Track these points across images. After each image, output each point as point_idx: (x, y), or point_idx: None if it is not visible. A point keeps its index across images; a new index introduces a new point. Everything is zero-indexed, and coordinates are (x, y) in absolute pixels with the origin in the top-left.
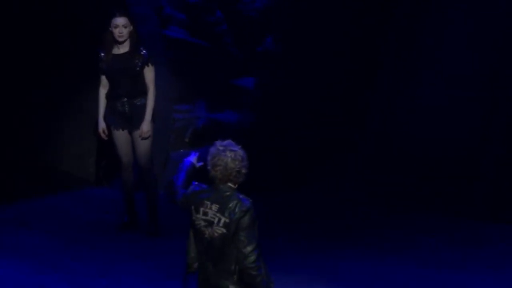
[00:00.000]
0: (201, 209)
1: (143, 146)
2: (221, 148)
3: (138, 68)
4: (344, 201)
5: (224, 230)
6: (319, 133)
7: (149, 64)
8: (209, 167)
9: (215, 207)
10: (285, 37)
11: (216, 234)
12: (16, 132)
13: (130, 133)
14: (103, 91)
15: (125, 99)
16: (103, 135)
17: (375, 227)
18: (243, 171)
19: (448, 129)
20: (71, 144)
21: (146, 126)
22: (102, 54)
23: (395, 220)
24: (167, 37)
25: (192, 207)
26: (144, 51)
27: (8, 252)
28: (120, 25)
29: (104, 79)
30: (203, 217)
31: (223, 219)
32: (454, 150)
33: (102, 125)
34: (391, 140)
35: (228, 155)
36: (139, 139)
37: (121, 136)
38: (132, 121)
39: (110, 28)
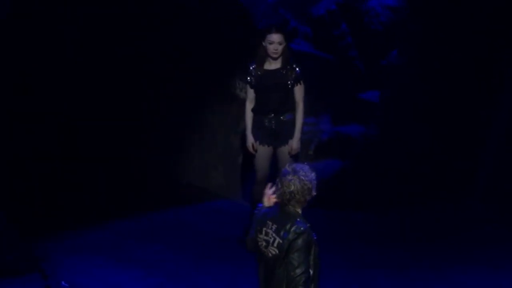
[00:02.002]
0: (264, 229)
1: (288, 162)
2: (289, 170)
3: (290, 85)
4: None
5: (277, 251)
6: (443, 147)
7: (301, 82)
8: (277, 190)
9: (274, 227)
10: (410, 50)
11: (270, 255)
12: (144, 145)
13: (275, 148)
14: (250, 105)
15: (273, 114)
16: (251, 150)
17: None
18: (308, 194)
19: None
20: (195, 157)
21: (296, 143)
22: (253, 68)
23: None
24: (292, 50)
25: (258, 228)
26: (297, 68)
27: (133, 265)
28: (276, 42)
29: (251, 94)
30: (265, 237)
31: (277, 240)
32: None
33: (251, 139)
34: None
35: (294, 178)
36: (285, 155)
37: (264, 151)
38: (278, 137)
39: (263, 43)
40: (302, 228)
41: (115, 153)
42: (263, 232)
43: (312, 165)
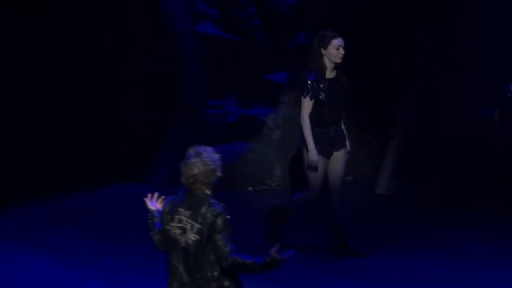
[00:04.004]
0: (176, 217)
1: (343, 166)
2: (191, 153)
3: (349, 92)
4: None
5: (198, 237)
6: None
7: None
8: (182, 174)
9: (188, 213)
10: (317, 31)
11: (190, 241)
12: (51, 128)
13: (329, 157)
14: (308, 118)
15: (334, 125)
16: (316, 165)
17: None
18: (212, 176)
19: None
20: (104, 140)
21: (349, 143)
22: (315, 79)
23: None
24: (200, 33)
25: (168, 217)
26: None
27: (43, 249)
28: (342, 46)
29: (310, 105)
30: (178, 225)
31: (195, 225)
32: None
33: (316, 155)
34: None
35: (197, 160)
36: (340, 159)
37: (324, 163)
38: (335, 145)
39: (323, 49)
40: (218, 209)
41: (22, 136)
42: (176, 220)
43: (219, 147)
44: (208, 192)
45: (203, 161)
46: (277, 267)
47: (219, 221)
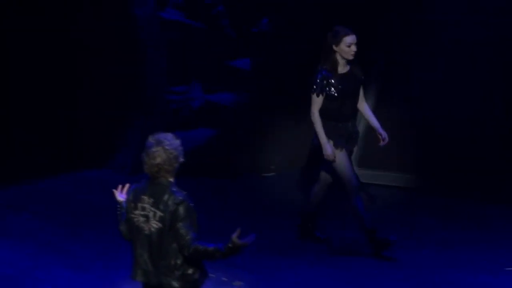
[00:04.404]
0: (139, 205)
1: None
2: (152, 142)
3: (362, 85)
4: None
5: (160, 225)
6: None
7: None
8: (144, 163)
9: (151, 201)
10: (279, 18)
11: (153, 229)
12: (15, 111)
13: (346, 149)
14: (318, 113)
15: (350, 120)
16: (333, 158)
17: None
18: (175, 162)
19: None
20: (65, 125)
21: (386, 134)
22: (326, 74)
23: None
24: (163, 19)
25: (132, 205)
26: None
27: (6, 236)
28: (355, 43)
29: (320, 101)
30: (141, 212)
31: (158, 213)
32: None
33: (331, 148)
34: None
35: (159, 149)
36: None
37: (344, 154)
38: (351, 142)
39: (335, 46)
40: (180, 198)
41: None
42: (139, 208)
43: (184, 133)
44: (171, 179)
45: (165, 149)
46: (239, 253)
47: (181, 210)
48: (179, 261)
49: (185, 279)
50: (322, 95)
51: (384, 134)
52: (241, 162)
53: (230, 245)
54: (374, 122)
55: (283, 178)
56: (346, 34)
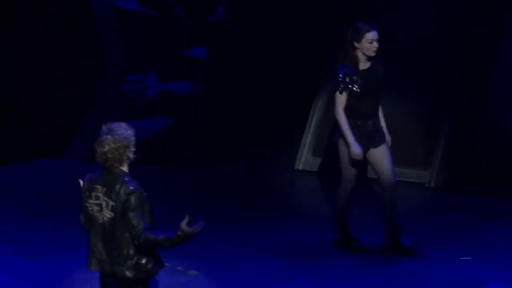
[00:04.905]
0: (94, 194)
1: (389, 160)
2: (104, 130)
3: (385, 82)
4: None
5: (112, 214)
6: (270, 102)
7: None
8: (95, 152)
9: (103, 190)
10: (234, 7)
11: (106, 219)
12: None
13: (365, 150)
14: (343, 112)
15: (372, 117)
16: (360, 158)
17: None
18: (124, 152)
19: None
20: (24, 115)
21: (388, 135)
22: (348, 72)
23: None
24: (118, 8)
25: (87, 194)
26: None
27: None
28: (376, 40)
29: (344, 99)
30: (95, 202)
31: (110, 203)
32: None
33: (359, 148)
34: None
35: (108, 138)
36: (383, 154)
37: (362, 157)
38: (373, 139)
39: (356, 42)
40: (131, 188)
41: None
42: (93, 197)
43: (139, 122)
44: (123, 168)
45: (114, 138)
46: (189, 240)
47: (132, 199)
48: (132, 251)
49: (139, 268)
50: (346, 92)
51: (388, 136)
52: (196, 152)
53: (179, 233)
54: (381, 122)
55: (237, 167)
56: (368, 30)
